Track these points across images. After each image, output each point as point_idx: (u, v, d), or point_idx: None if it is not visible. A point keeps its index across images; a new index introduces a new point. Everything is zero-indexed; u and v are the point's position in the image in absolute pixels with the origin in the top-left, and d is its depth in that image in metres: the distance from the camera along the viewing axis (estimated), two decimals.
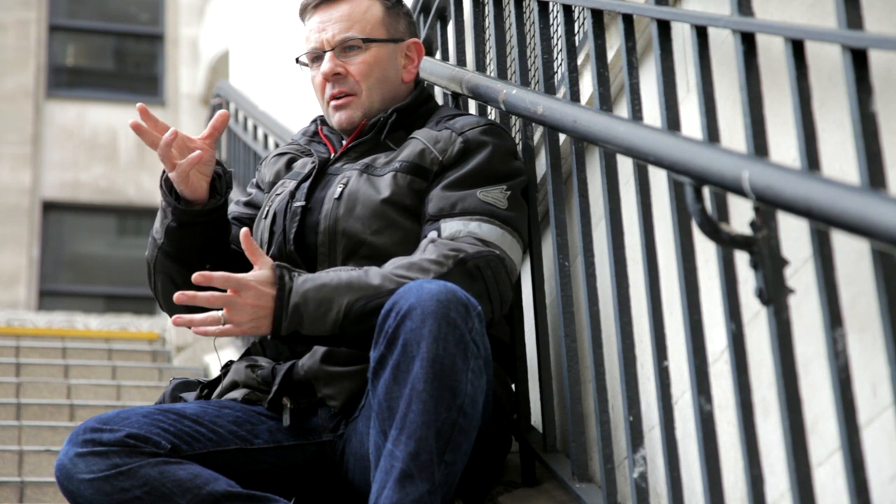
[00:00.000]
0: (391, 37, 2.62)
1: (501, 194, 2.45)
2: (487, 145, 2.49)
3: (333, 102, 2.59)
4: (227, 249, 2.57)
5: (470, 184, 2.45)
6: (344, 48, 2.58)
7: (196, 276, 2.22)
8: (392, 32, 2.63)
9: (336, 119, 2.60)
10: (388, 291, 2.26)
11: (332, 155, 2.63)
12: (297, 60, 2.65)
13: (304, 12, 2.65)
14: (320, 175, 2.59)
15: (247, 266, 2.39)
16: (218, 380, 2.56)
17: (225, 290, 2.25)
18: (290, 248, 2.50)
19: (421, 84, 2.70)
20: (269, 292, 2.26)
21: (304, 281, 2.29)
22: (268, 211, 2.60)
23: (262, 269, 2.28)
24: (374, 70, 2.59)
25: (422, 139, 2.53)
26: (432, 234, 2.40)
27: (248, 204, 2.71)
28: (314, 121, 2.74)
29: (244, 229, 2.28)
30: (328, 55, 2.58)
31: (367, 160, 2.55)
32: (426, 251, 2.35)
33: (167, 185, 2.53)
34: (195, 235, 2.50)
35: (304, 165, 2.65)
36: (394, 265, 2.33)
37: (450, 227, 2.40)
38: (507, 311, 2.43)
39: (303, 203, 2.53)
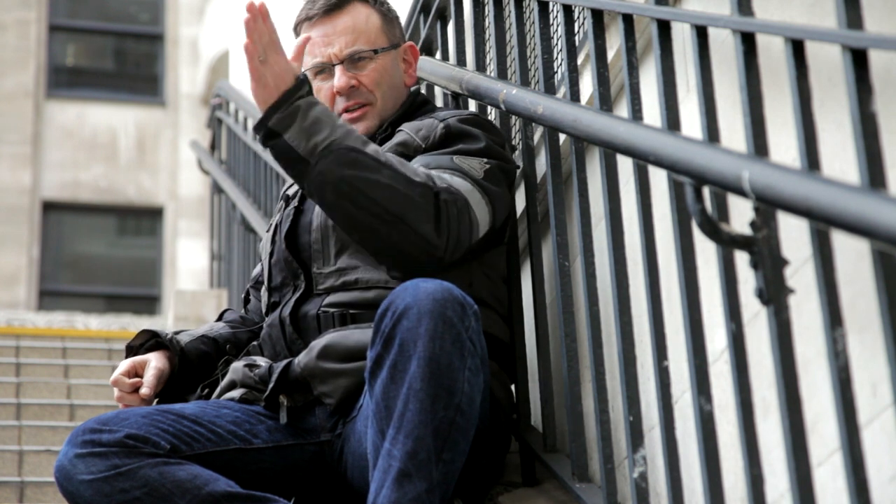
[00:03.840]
0: (391, 43, 2.65)
1: (479, 165, 2.47)
2: (470, 132, 2.52)
3: (347, 115, 2.60)
4: (213, 364, 2.63)
5: (448, 154, 2.48)
6: (352, 60, 2.60)
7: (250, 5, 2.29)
8: (391, 39, 2.66)
9: None
10: (375, 160, 2.32)
11: None
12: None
13: (299, 26, 2.65)
14: None
15: None
16: (217, 380, 2.56)
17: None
18: (283, 247, 2.53)
19: (416, 91, 2.71)
20: (291, 77, 2.34)
21: (317, 103, 2.36)
22: (271, 223, 2.66)
23: (296, 63, 2.38)
24: (384, 78, 2.62)
25: (406, 130, 2.56)
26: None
27: None
28: None
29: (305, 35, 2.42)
30: (338, 69, 2.60)
31: None
32: (417, 168, 2.39)
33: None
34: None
35: None
36: (392, 154, 2.39)
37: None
38: (457, 256, 2.41)
39: (296, 205, 2.57)
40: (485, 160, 2.48)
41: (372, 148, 2.35)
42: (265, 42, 2.30)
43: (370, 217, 2.30)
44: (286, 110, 2.32)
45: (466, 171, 2.44)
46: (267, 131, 2.34)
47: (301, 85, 2.34)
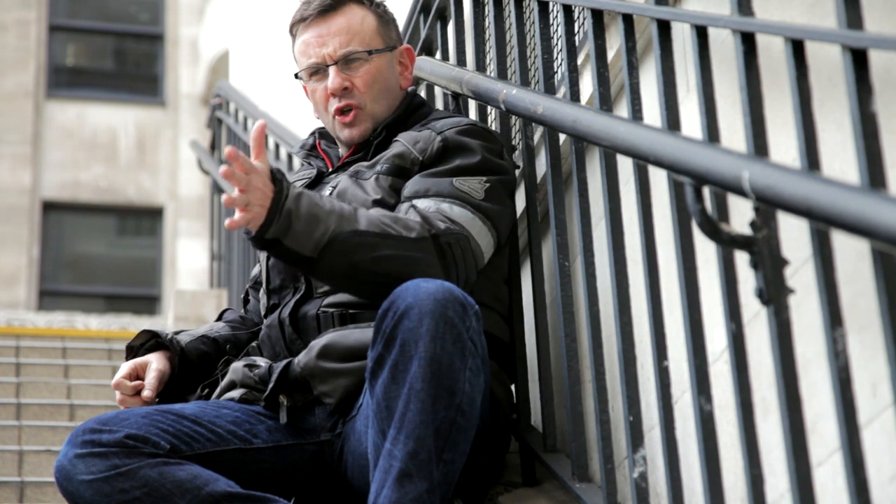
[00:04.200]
0: (387, 45, 2.64)
1: (479, 185, 2.47)
2: (468, 144, 2.51)
3: (340, 118, 2.60)
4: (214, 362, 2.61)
5: (447, 175, 2.47)
6: (347, 61, 2.59)
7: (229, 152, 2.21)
8: (387, 41, 2.65)
9: (347, 134, 2.61)
10: (374, 235, 2.31)
11: (329, 168, 2.66)
12: (296, 76, 2.65)
13: (295, 27, 2.65)
14: (315, 183, 2.63)
15: None
16: (217, 380, 2.56)
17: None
18: None
19: (412, 92, 2.71)
20: (270, 185, 2.26)
21: (300, 194, 2.30)
22: None
23: (261, 163, 2.26)
24: (377, 80, 2.61)
25: (403, 141, 2.55)
26: (407, 205, 2.43)
27: None
28: (312, 133, 2.76)
29: (261, 121, 2.28)
30: (332, 69, 2.59)
31: (355, 167, 2.58)
32: (408, 214, 2.39)
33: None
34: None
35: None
36: (380, 213, 2.37)
37: (421, 203, 2.43)
38: (468, 291, 2.40)
39: None
40: (484, 179, 2.48)
41: (365, 219, 2.33)
42: (244, 181, 2.22)
43: (381, 287, 2.27)
44: (279, 220, 2.26)
45: (467, 195, 2.44)
46: (263, 245, 2.29)
47: (280, 185, 2.26)
